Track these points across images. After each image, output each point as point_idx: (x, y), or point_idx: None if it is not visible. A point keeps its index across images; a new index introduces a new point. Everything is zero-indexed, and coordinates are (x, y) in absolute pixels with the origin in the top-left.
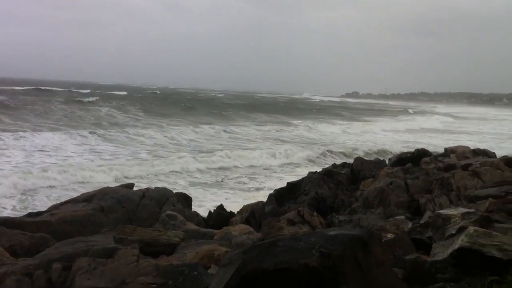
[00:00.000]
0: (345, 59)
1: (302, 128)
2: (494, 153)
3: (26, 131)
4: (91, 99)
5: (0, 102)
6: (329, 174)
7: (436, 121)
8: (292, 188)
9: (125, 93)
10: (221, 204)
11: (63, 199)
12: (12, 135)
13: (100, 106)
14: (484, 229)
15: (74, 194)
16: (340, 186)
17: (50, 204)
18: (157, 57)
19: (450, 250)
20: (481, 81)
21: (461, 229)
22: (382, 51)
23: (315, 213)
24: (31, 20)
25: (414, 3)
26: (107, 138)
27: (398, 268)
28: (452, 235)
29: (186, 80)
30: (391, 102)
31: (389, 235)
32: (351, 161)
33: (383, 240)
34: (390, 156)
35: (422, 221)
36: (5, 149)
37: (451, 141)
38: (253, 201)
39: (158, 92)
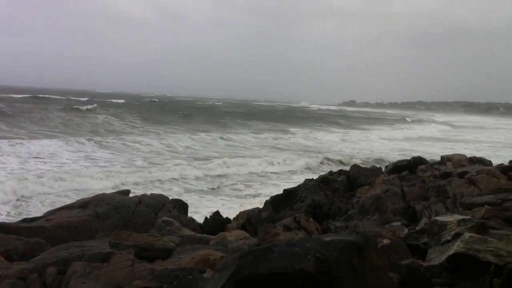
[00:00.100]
0: (343, 69)
1: (299, 136)
2: (490, 161)
3: (22, 138)
4: (89, 106)
5: None
6: (325, 181)
7: (434, 129)
8: (289, 195)
9: (122, 101)
10: (217, 210)
11: (57, 205)
12: (8, 142)
13: (98, 114)
14: (479, 235)
15: (69, 201)
16: (336, 193)
17: (44, 210)
18: (155, 67)
19: (445, 256)
20: (478, 91)
21: (457, 235)
22: (380, 62)
23: (311, 219)
24: (30, 29)
25: (414, 16)
26: (103, 145)
27: (394, 273)
28: (448, 241)
29: (185, 89)
30: (388, 111)
31: (385, 241)
32: (348, 168)
33: (379, 246)
34: (386, 164)
35: (418, 228)
36: (0, 155)
37: (448, 149)
38: (250, 207)
39: (156, 100)
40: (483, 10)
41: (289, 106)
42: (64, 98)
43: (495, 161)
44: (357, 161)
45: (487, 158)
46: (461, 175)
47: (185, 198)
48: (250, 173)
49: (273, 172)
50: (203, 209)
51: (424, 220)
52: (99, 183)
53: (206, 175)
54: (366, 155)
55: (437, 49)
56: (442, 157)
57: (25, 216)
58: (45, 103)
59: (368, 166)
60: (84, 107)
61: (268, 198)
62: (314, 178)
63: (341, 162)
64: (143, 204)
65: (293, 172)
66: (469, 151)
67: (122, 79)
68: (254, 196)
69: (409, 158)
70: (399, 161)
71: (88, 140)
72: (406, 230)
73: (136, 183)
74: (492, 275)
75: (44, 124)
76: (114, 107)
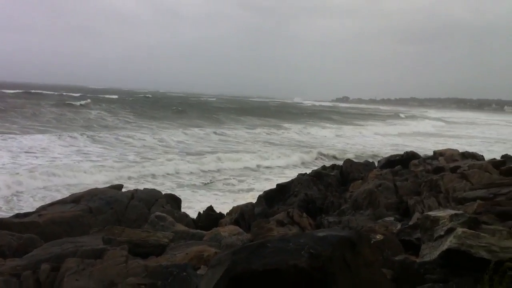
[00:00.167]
0: (337, 66)
1: (293, 131)
2: (482, 156)
3: (15, 133)
4: (82, 102)
5: None
6: (318, 176)
7: (427, 125)
8: (282, 190)
9: (116, 96)
10: (211, 205)
11: (49, 200)
12: None
13: (91, 109)
14: (472, 231)
15: (60, 195)
16: (329, 187)
17: (36, 205)
18: (148, 63)
19: (438, 251)
20: (471, 88)
21: (449, 231)
22: (373, 59)
23: (304, 215)
24: (25, 26)
25: (409, 13)
26: (96, 140)
27: (387, 269)
28: (441, 237)
29: (178, 85)
30: (381, 107)
31: (378, 236)
32: (341, 163)
33: (372, 241)
34: (379, 159)
35: (411, 223)
36: None
37: (440, 145)
38: (243, 202)
39: (149, 95)
40: (479, 7)
41: (283, 102)
42: (57, 93)
43: (487, 156)
44: (350, 156)
45: (480, 153)
46: (454, 169)
47: (178, 193)
48: (244, 168)
49: (267, 167)
50: (196, 204)
51: (416, 215)
52: (92, 178)
53: (199, 170)
54: (359, 150)
55: (431, 46)
56: (434, 152)
57: (17, 211)
58: (37, 98)
59: (361, 161)
60: (78, 103)
61: (261, 193)
62: (307, 173)
63: (334, 157)
64: (136, 199)
65: (286, 167)
66: (461, 146)
67: (116, 75)
68: (248, 190)
69: (402, 153)
70: (392, 156)
71: (81, 134)
72: (399, 225)
73: (128, 178)
74: (492, 272)
75: (37, 119)
76: (107, 103)
